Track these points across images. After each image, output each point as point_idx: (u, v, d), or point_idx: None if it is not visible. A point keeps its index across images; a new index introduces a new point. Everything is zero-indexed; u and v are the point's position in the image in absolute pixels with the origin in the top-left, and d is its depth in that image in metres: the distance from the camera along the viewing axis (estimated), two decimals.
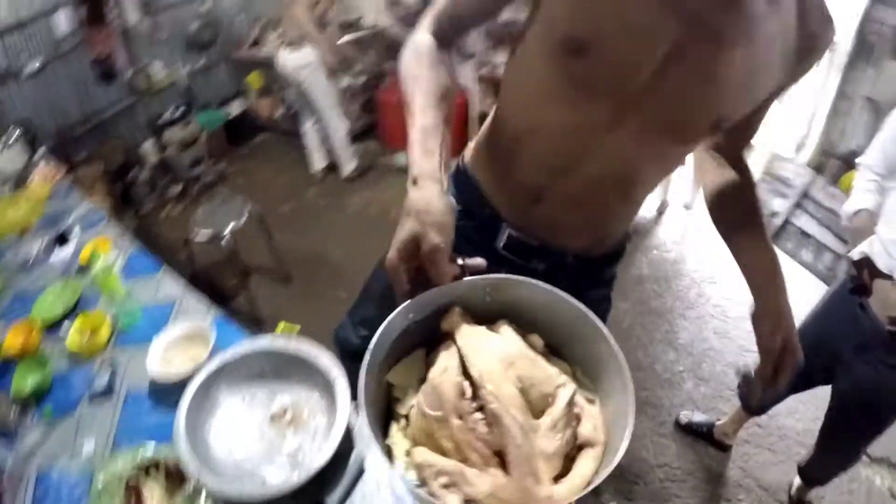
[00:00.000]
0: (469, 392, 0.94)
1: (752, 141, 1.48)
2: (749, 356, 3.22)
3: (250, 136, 6.89)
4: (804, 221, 4.14)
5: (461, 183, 1.52)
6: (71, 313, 2.18)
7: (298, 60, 5.02)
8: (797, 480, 3.07)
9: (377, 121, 6.56)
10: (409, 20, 5.64)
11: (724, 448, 3.26)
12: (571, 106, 1.16)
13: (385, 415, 1.06)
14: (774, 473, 3.19)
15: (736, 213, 1.50)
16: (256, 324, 3.72)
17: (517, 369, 0.96)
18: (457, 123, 5.36)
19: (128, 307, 2.09)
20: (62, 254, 2.65)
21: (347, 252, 4.46)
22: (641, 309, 3.85)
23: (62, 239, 2.73)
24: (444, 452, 0.92)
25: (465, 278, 1.07)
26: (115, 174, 5.53)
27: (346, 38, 5.76)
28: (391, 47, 6.04)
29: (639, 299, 3.95)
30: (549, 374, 1.00)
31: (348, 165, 5.71)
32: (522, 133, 1.30)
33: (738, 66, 1.03)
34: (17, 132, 4.01)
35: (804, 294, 3.75)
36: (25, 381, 1.85)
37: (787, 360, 1.32)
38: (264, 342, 1.67)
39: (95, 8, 5.34)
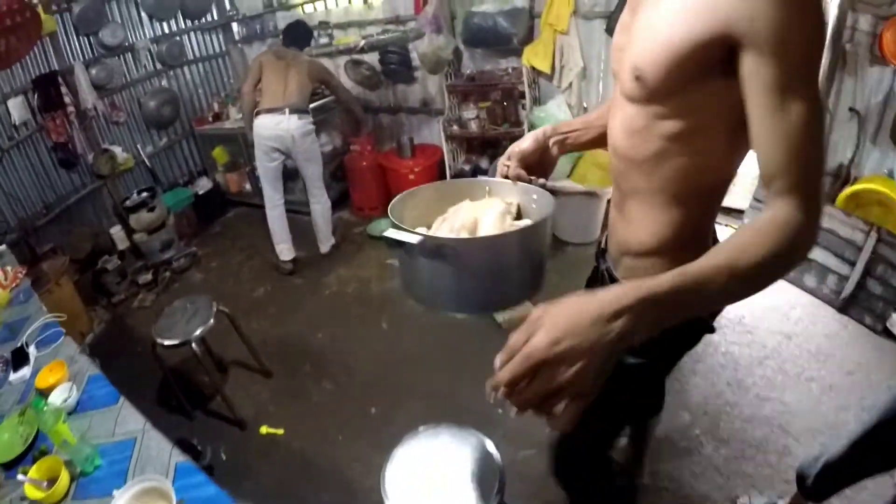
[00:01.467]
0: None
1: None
2: (767, 405, 3.08)
3: (221, 212, 6.68)
4: None
5: None
6: (29, 451, 1.95)
7: (304, 127, 4.66)
8: None
9: (348, 189, 6.15)
10: (370, 83, 5.60)
11: None
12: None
13: None
14: None
15: None
16: (238, 426, 3.41)
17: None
18: (430, 180, 5.25)
19: (83, 453, 1.82)
20: (20, 373, 2.40)
21: (329, 338, 4.16)
22: None
23: (20, 355, 2.48)
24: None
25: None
26: (83, 263, 5.36)
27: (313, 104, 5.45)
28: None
29: None
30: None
31: (327, 242, 5.27)
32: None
33: (642, 21, 1.17)
34: None
35: (814, 321, 3.68)
36: None
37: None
38: None
39: (49, 94, 5.17)
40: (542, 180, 1.57)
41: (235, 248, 5.81)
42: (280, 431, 3.33)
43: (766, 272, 0.96)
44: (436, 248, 1.32)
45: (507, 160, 1.60)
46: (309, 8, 5.90)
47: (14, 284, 3.24)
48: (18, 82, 5.06)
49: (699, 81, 1.10)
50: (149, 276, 5.20)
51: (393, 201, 1.59)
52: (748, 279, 0.95)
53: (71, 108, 5.30)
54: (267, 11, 6.07)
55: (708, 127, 1.17)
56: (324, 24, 5.77)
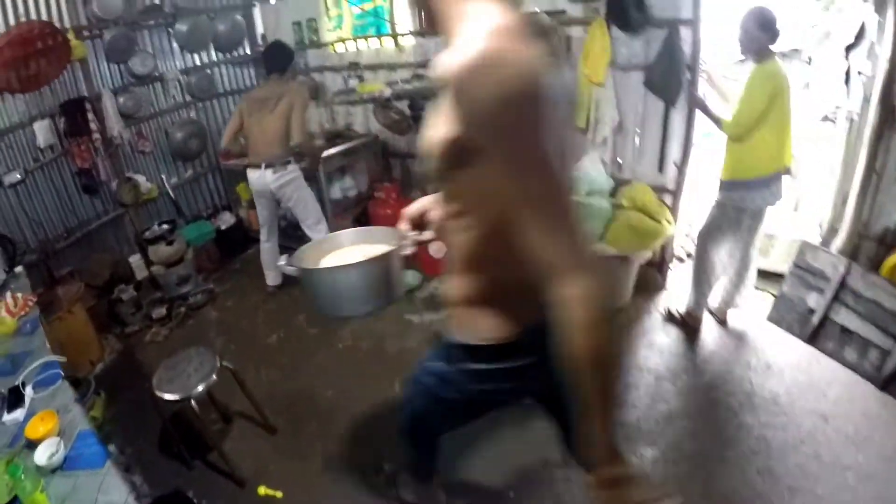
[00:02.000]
0: None
1: None
2: (798, 497, 2.83)
3: (242, 248, 6.43)
4: (844, 317, 3.73)
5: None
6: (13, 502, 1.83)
7: (281, 179, 4.65)
8: None
9: None
10: (399, 127, 5.47)
11: None
12: None
13: None
14: None
15: None
16: (237, 484, 3.23)
17: None
18: None
19: None
20: (14, 415, 2.30)
21: (339, 394, 3.93)
22: (674, 456, 3.15)
23: (16, 395, 2.37)
24: None
25: None
26: (101, 289, 5.28)
27: (335, 149, 5.45)
28: (381, 156, 5.92)
29: (670, 443, 3.25)
30: None
31: None
32: None
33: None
34: None
35: (852, 400, 3.42)
36: None
37: None
38: None
39: (75, 119, 5.16)
40: (425, 235, 1.91)
41: (253, 287, 5.60)
42: (279, 494, 3.13)
43: (597, 350, 1.10)
44: (315, 273, 2.07)
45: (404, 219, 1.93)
46: (340, 48, 5.90)
47: (23, 312, 3.18)
48: (46, 106, 5.05)
49: (457, 172, 1.24)
50: (163, 311, 5.11)
51: (309, 243, 2.31)
52: (603, 369, 1.13)
53: (97, 135, 5.29)
54: (298, 48, 5.99)
55: (472, 210, 1.34)
56: (354, 66, 5.73)
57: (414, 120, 5.21)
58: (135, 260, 5.77)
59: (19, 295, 3.29)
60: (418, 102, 5.03)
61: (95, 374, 4.34)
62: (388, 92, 4.69)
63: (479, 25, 1.08)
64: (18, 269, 3.89)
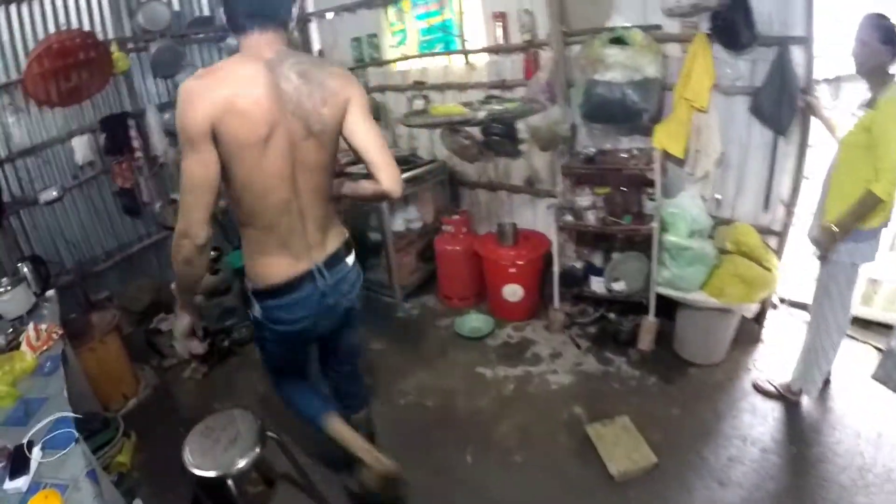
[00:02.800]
0: None
1: None
2: None
3: None
4: None
5: None
6: None
7: None
8: None
9: (436, 272, 5.31)
10: (468, 154, 4.93)
11: None
12: None
13: None
14: None
15: None
16: None
17: None
18: (535, 275, 4.65)
19: None
20: (16, 483, 1.85)
21: (398, 462, 2.77)
22: None
23: (21, 457, 1.94)
24: None
25: None
26: (140, 316, 5.02)
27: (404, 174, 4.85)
28: (449, 185, 5.44)
29: None
30: None
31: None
32: None
33: None
34: (25, 269, 3.55)
35: None
36: None
37: None
38: None
39: (116, 136, 4.87)
40: None
41: None
42: None
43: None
44: None
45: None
46: (404, 65, 5.45)
47: (46, 347, 2.80)
48: (87, 120, 4.80)
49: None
50: (204, 346, 4.68)
51: None
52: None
53: (139, 154, 5.00)
54: (358, 66, 5.64)
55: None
56: (419, 84, 5.29)
57: (486, 146, 4.65)
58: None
59: (43, 327, 2.92)
60: (491, 127, 4.49)
61: (128, 411, 4.02)
62: (481, 114, 3.97)
63: None
64: (50, 292, 3.57)
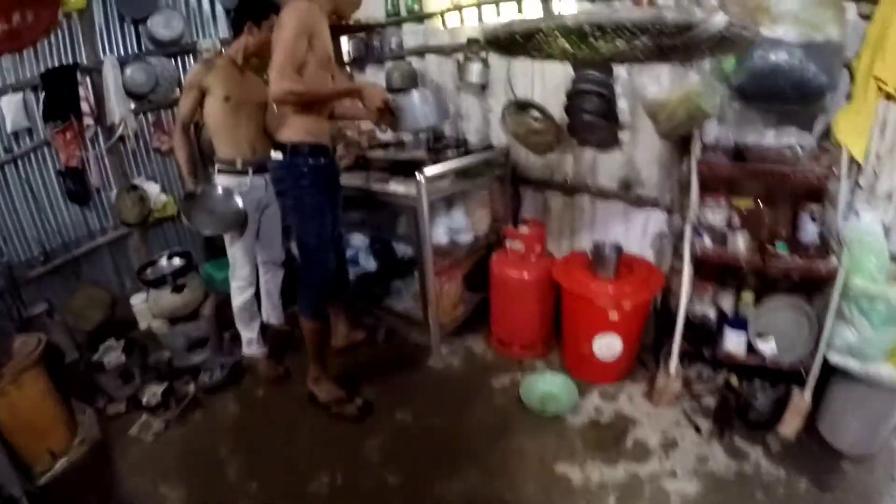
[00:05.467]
0: None
1: None
2: None
3: (291, 299, 3.75)
4: None
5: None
6: None
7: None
8: None
9: (486, 302, 3.74)
10: (539, 143, 3.52)
11: None
12: None
13: None
14: None
15: None
16: None
17: None
18: (640, 323, 3.20)
19: None
20: None
21: None
22: None
23: None
24: None
25: None
26: (90, 336, 3.95)
27: (438, 167, 3.25)
28: (511, 184, 3.95)
29: None
30: None
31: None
32: None
33: None
34: None
35: None
36: None
37: None
38: None
39: (60, 96, 3.72)
40: None
41: (305, 368, 3.30)
42: None
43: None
44: None
45: None
46: (453, 19, 3.98)
47: None
48: (26, 74, 3.77)
49: None
50: (159, 391, 3.33)
51: None
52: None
53: (89, 121, 3.82)
54: (390, 22, 4.24)
55: None
56: (475, 43, 3.71)
57: (571, 131, 3.26)
58: (138, 301, 4.11)
59: None
60: (582, 100, 3.08)
61: (54, 476, 2.91)
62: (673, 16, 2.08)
63: None
64: None
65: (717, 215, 2.87)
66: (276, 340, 3.69)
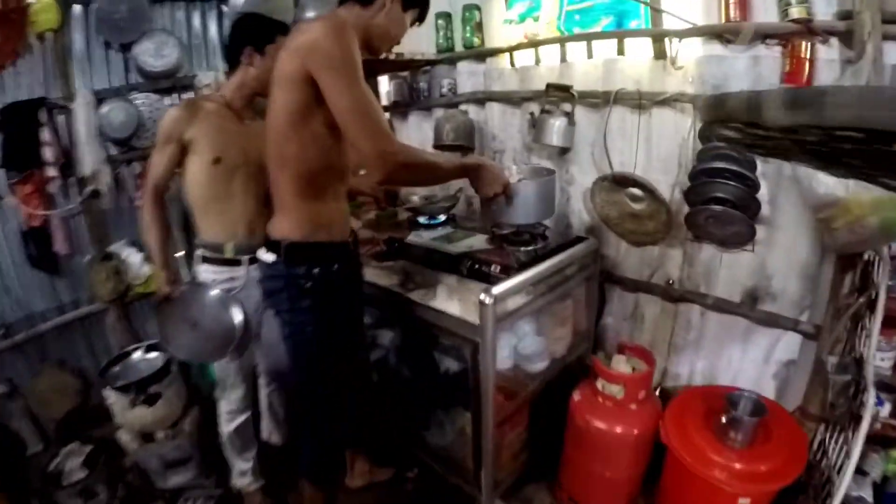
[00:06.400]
0: None
1: None
2: None
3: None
4: None
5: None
6: None
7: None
8: None
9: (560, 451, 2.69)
10: (636, 230, 2.59)
11: None
12: None
13: None
14: None
15: None
16: None
17: None
18: None
19: None
20: None
21: None
22: None
23: None
24: None
25: None
26: (57, 429, 3.38)
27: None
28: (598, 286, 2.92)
29: None
30: None
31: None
32: None
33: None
34: None
35: None
36: None
37: None
38: None
39: (20, 139, 2.98)
40: None
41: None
42: None
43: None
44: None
45: None
46: (525, 57, 3.08)
47: None
48: None
49: None
50: None
51: None
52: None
53: (52, 172, 3.05)
54: (442, 59, 3.40)
55: None
56: (558, 91, 2.78)
57: (690, 221, 2.28)
58: (113, 396, 3.23)
59: None
60: (713, 186, 2.19)
61: None
62: None
63: None
64: None
65: (885, 362, 2.07)
66: (276, 465, 2.83)
